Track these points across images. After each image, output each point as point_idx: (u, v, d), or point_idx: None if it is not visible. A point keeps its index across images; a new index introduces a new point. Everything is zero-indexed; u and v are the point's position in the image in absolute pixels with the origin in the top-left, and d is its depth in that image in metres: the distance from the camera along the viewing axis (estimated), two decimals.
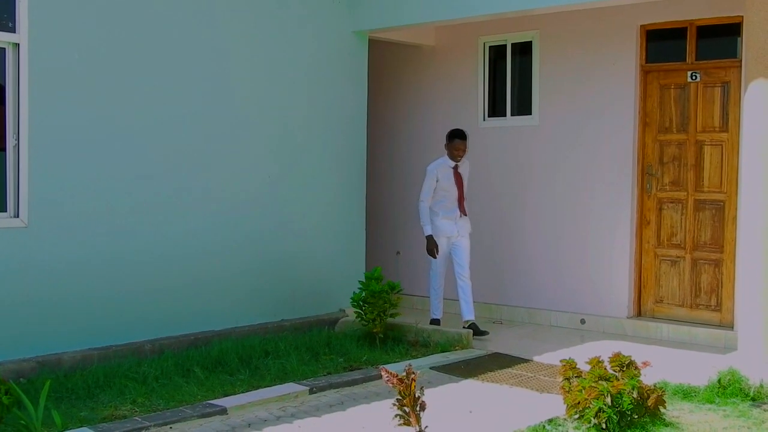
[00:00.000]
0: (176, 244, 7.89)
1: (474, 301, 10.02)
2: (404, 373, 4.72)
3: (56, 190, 7.08)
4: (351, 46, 9.45)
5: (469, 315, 8.93)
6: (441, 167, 8.98)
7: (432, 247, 8.98)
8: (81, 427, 5.61)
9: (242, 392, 6.55)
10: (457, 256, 9.04)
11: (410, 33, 10.13)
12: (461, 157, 8.99)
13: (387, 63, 10.99)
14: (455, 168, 8.98)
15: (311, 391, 6.63)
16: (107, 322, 7.37)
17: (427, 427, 4.75)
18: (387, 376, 4.66)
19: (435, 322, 9.09)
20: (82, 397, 6.33)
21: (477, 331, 8.65)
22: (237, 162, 8.39)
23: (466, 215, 9.07)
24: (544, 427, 5.66)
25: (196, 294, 8.04)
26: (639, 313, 9.17)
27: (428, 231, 8.99)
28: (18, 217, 6.89)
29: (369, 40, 9.70)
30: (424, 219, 8.99)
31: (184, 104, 7.96)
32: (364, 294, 8.24)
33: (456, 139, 8.95)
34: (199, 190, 8.08)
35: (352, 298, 8.35)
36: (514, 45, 10.00)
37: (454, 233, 9.00)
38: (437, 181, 8.93)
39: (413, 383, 4.67)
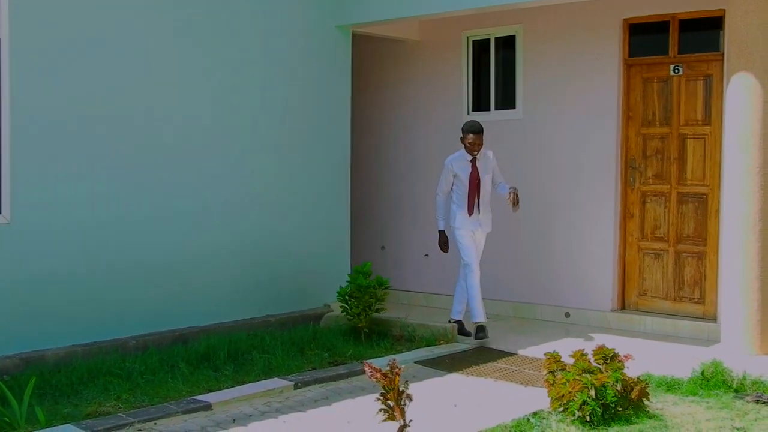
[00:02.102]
0: (160, 240, 7.87)
1: None
2: (388, 368, 4.72)
3: (39, 186, 7.05)
4: (334, 41, 9.43)
5: (458, 315, 8.74)
6: (457, 160, 8.54)
7: (442, 242, 8.73)
8: (65, 423, 5.59)
9: (227, 388, 6.54)
10: None
11: (394, 27, 10.12)
12: (477, 151, 8.46)
13: (371, 58, 10.98)
14: (473, 162, 8.51)
15: (296, 386, 6.63)
16: (91, 319, 7.34)
17: (411, 421, 4.75)
18: (371, 372, 4.65)
19: (480, 328, 8.34)
20: (66, 393, 6.31)
21: (461, 331, 8.51)
22: (220, 158, 8.37)
23: (479, 212, 8.50)
24: (528, 420, 5.68)
25: (180, 290, 8.02)
26: (623, 306, 9.20)
27: (440, 226, 8.73)
28: (0, 213, 6.85)
29: (353, 34, 9.69)
30: (437, 213, 8.76)
31: (168, 102, 7.93)
32: (350, 288, 8.24)
33: (469, 133, 8.42)
34: (183, 186, 8.05)
35: (338, 293, 8.35)
36: (497, 39, 10.01)
37: (477, 229, 8.55)
38: (455, 176, 8.52)
39: (397, 378, 4.67)
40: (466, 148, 8.48)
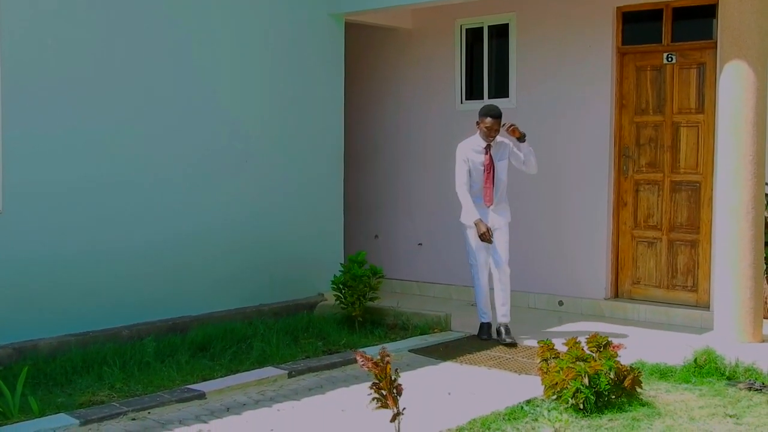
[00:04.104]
0: (153, 230, 7.85)
1: (452, 285, 10.08)
2: (378, 357, 4.72)
3: (32, 175, 7.02)
4: (327, 30, 9.40)
5: (503, 317, 7.94)
6: (469, 147, 7.91)
7: (484, 231, 7.75)
8: (58, 413, 5.58)
9: (221, 377, 6.53)
10: (493, 252, 7.94)
11: (387, 16, 10.11)
12: (493, 137, 7.81)
13: (363, 46, 10.96)
14: (487, 148, 7.87)
15: (290, 375, 6.63)
16: (84, 308, 7.33)
17: (404, 409, 4.76)
18: (362, 361, 4.66)
19: (484, 326, 8.07)
20: (60, 383, 6.30)
21: (505, 338, 7.73)
22: (213, 146, 8.35)
23: (493, 204, 7.87)
24: (522, 408, 5.69)
25: (174, 279, 8.02)
26: (616, 295, 9.22)
27: (474, 216, 7.82)
28: None
29: (345, 23, 9.66)
30: (466, 205, 7.89)
31: (159, 90, 7.90)
32: (344, 277, 8.24)
33: (487, 116, 7.78)
34: (176, 174, 8.04)
35: (332, 281, 8.35)
36: (491, 28, 9.99)
37: (489, 225, 7.85)
38: (470, 163, 7.86)
39: (388, 366, 4.67)
40: (481, 132, 7.86)
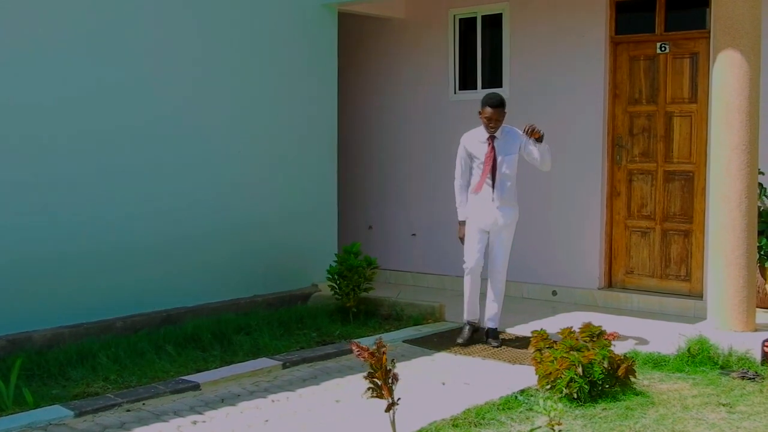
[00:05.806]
0: (147, 221, 7.84)
1: (445, 275, 10.07)
2: (375, 347, 4.72)
3: (18, 162, 6.99)
4: (320, 20, 9.38)
5: (491, 322, 7.58)
6: (472, 138, 7.47)
7: (460, 236, 7.59)
8: (53, 404, 5.59)
9: (215, 368, 6.55)
10: (491, 252, 7.55)
11: (380, 5, 10.08)
12: (494, 127, 7.30)
13: (356, 36, 10.93)
14: (490, 140, 7.40)
15: (284, 366, 6.64)
16: (78, 300, 7.32)
17: (399, 399, 4.76)
18: (358, 351, 4.65)
19: (464, 326, 7.64)
20: (54, 374, 6.31)
21: (491, 341, 7.43)
22: (206, 138, 8.33)
23: (495, 200, 7.36)
24: (516, 397, 5.70)
25: (168, 270, 8.00)
26: (610, 284, 9.23)
27: (460, 215, 7.57)
28: None
29: (338, 13, 9.64)
30: (456, 200, 7.61)
31: (153, 79, 7.88)
32: (339, 268, 8.24)
33: (486, 106, 7.27)
34: (169, 166, 8.02)
35: (327, 272, 8.35)
36: (484, 17, 9.98)
37: (489, 223, 7.41)
38: (470, 156, 7.47)
39: (384, 356, 4.67)
40: (483, 123, 7.39)
